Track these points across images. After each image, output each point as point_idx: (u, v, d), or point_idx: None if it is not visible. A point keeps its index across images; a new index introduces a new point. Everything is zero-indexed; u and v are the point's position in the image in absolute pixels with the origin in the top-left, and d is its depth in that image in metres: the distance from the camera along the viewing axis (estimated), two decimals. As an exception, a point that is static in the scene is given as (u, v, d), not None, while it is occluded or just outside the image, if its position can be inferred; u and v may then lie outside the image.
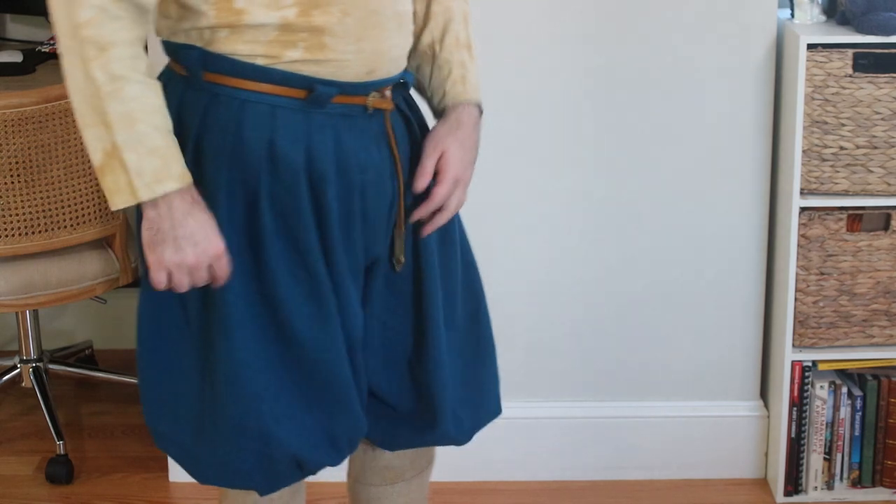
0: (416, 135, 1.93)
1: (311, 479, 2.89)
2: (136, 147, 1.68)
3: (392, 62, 1.83)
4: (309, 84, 1.76)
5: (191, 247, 1.72)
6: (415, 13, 1.94)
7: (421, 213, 1.90)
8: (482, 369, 2.06)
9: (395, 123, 1.88)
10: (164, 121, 1.71)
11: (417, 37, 1.95)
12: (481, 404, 2.06)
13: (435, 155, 1.91)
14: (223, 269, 1.76)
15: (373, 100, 1.82)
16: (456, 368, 2.01)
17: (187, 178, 1.71)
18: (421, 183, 1.89)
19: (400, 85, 1.89)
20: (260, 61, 1.75)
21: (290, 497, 2.04)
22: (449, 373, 1.98)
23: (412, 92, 1.97)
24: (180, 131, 1.77)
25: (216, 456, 1.90)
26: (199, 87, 1.79)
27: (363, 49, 1.78)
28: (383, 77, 1.83)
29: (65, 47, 1.69)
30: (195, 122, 1.78)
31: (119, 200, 1.70)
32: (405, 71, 1.90)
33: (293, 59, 1.75)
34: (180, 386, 1.90)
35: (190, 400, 1.89)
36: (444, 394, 1.98)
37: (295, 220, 1.79)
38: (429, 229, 1.91)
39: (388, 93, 1.85)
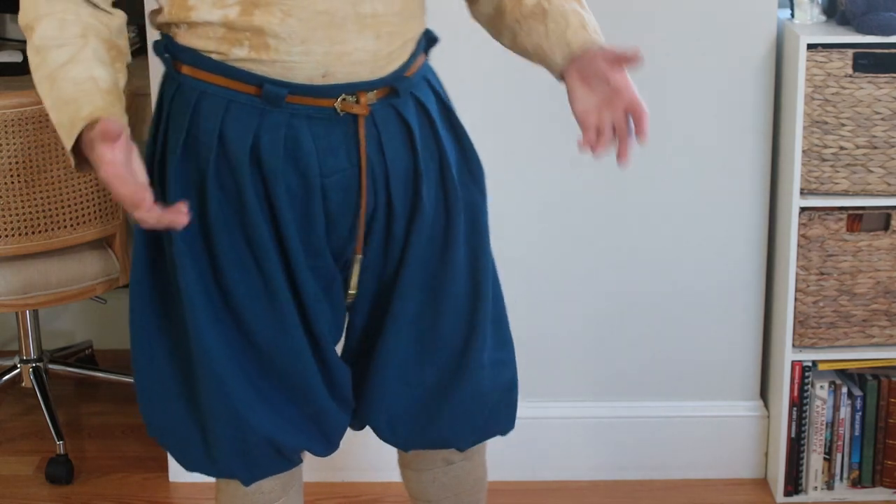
0: (418, 144, 1.89)
1: (311, 478, 2.89)
2: (57, 105, 1.72)
3: (356, 65, 1.79)
4: (259, 82, 1.77)
5: (99, 172, 1.68)
6: None
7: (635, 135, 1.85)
8: (452, 399, 2.02)
9: (384, 130, 1.85)
10: (81, 70, 1.72)
11: (520, 3, 1.90)
12: (432, 430, 2.04)
13: (622, 73, 1.83)
14: (124, 197, 1.66)
15: (342, 103, 1.80)
16: (420, 384, 2.00)
17: (98, 114, 1.69)
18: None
19: (391, 91, 1.85)
20: (214, 56, 1.78)
21: (282, 490, 2.04)
22: (395, 382, 1.98)
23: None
24: (158, 117, 1.84)
25: (198, 444, 1.94)
26: (172, 76, 1.83)
27: (311, 51, 1.76)
28: (344, 81, 1.79)
29: None
30: (165, 109, 1.83)
31: (72, 159, 1.73)
32: (397, 76, 1.85)
33: (240, 57, 1.77)
34: (166, 374, 1.92)
35: (174, 388, 1.92)
36: (380, 393, 1.99)
37: (243, 214, 1.81)
38: (628, 152, 1.86)
39: (363, 98, 1.81)
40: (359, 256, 1.90)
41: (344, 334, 2.01)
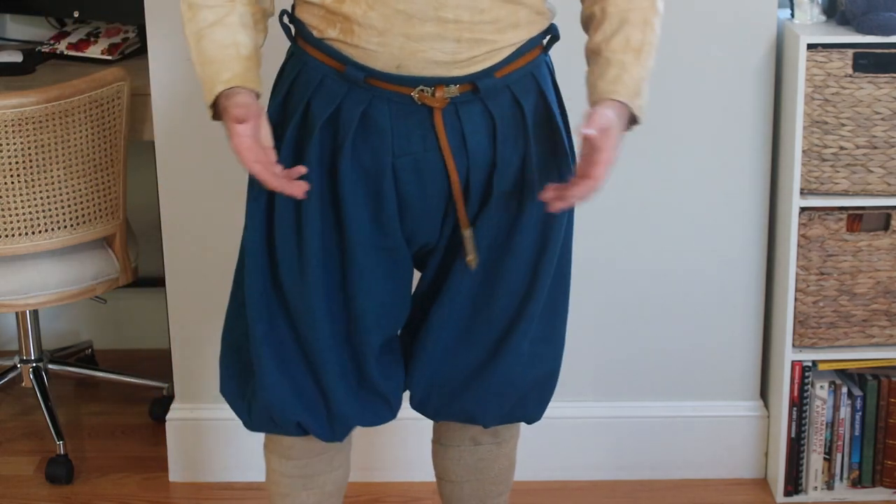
0: (499, 138, 1.92)
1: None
2: (201, 60, 1.90)
3: (430, 63, 1.86)
4: (345, 61, 1.88)
5: (230, 142, 1.85)
6: (593, 14, 1.96)
7: (573, 190, 1.86)
8: (485, 377, 2.09)
9: (468, 122, 1.90)
10: (226, 34, 1.89)
11: (592, 36, 1.96)
12: (459, 402, 2.12)
13: (601, 129, 1.85)
14: (254, 173, 1.84)
15: (419, 94, 1.87)
16: (465, 358, 2.08)
17: (235, 81, 1.87)
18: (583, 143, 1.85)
19: (474, 87, 1.89)
20: (315, 33, 1.92)
21: (305, 452, 2.14)
22: (443, 353, 2.06)
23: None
24: (276, 78, 2.02)
25: (233, 372, 2.11)
26: (292, 45, 2.00)
27: (387, 43, 1.85)
28: (417, 75, 1.86)
29: None
30: (281, 72, 2.01)
31: (209, 112, 1.91)
32: (481, 75, 1.88)
33: (332, 36, 1.90)
34: (241, 315, 2.07)
35: (241, 328, 2.08)
36: (424, 359, 2.07)
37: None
38: (559, 206, 1.87)
39: (440, 91, 1.87)
40: (467, 230, 1.97)
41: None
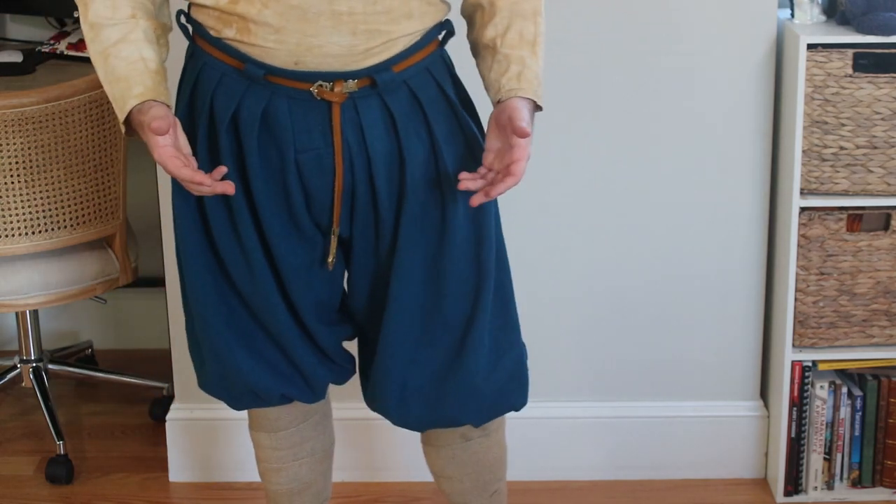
0: (401, 132, 1.95)
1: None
2: (110, 80, 1.91)
3: (328, 58, 1.88)
4: (243, 59, 1.90)
5: (153, 154, 1.87)
6: (480, 5, 1.98)
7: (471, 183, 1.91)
8: (455, 377, 2.09)
9: (366, 116, 1.93)
10: (132, 50, 1.90)
11: (482, 30, 1.97)
12: (439, 408, 2.12)
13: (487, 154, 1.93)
14: (183, 179, 1.86)
15: (318, 89, 1.90)
16: (429, 362, 2.08)
17: (147, 95, 1.87)
18: (465, 184, 1.91)
19: (372, 81, 1.92)
20: (212, 32, 1.94)
21: (290, 421, 2.21)
22: (404, 362, 2.07)
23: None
24: (180, 77, 2.03)
25: (200, 367, 2.18)
26: (190, 44, 2.01)
27: (284, 40, 1.87)
28: (315, 70, 1.89)
29: None
30: (184, 71, 2.02)
31: (122, 128, 1.92)
32: (378, 69, 1.91)
33: (229, 36, 1.91)
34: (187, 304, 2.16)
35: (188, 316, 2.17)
36: (388, 373, 2.08)
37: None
38: (479, 201, 1.90)
39: (339, 86, 1.90)
40: (335, 229, 2.01)
41: (352, 313, 2.14)
